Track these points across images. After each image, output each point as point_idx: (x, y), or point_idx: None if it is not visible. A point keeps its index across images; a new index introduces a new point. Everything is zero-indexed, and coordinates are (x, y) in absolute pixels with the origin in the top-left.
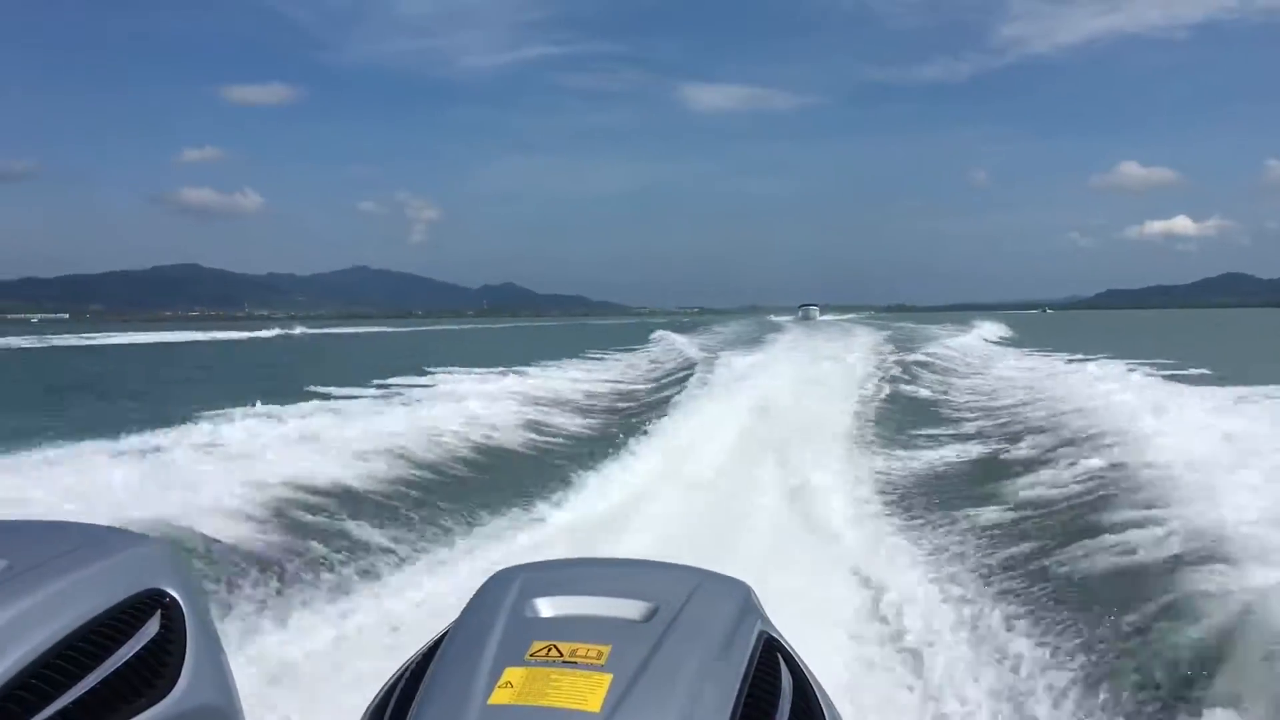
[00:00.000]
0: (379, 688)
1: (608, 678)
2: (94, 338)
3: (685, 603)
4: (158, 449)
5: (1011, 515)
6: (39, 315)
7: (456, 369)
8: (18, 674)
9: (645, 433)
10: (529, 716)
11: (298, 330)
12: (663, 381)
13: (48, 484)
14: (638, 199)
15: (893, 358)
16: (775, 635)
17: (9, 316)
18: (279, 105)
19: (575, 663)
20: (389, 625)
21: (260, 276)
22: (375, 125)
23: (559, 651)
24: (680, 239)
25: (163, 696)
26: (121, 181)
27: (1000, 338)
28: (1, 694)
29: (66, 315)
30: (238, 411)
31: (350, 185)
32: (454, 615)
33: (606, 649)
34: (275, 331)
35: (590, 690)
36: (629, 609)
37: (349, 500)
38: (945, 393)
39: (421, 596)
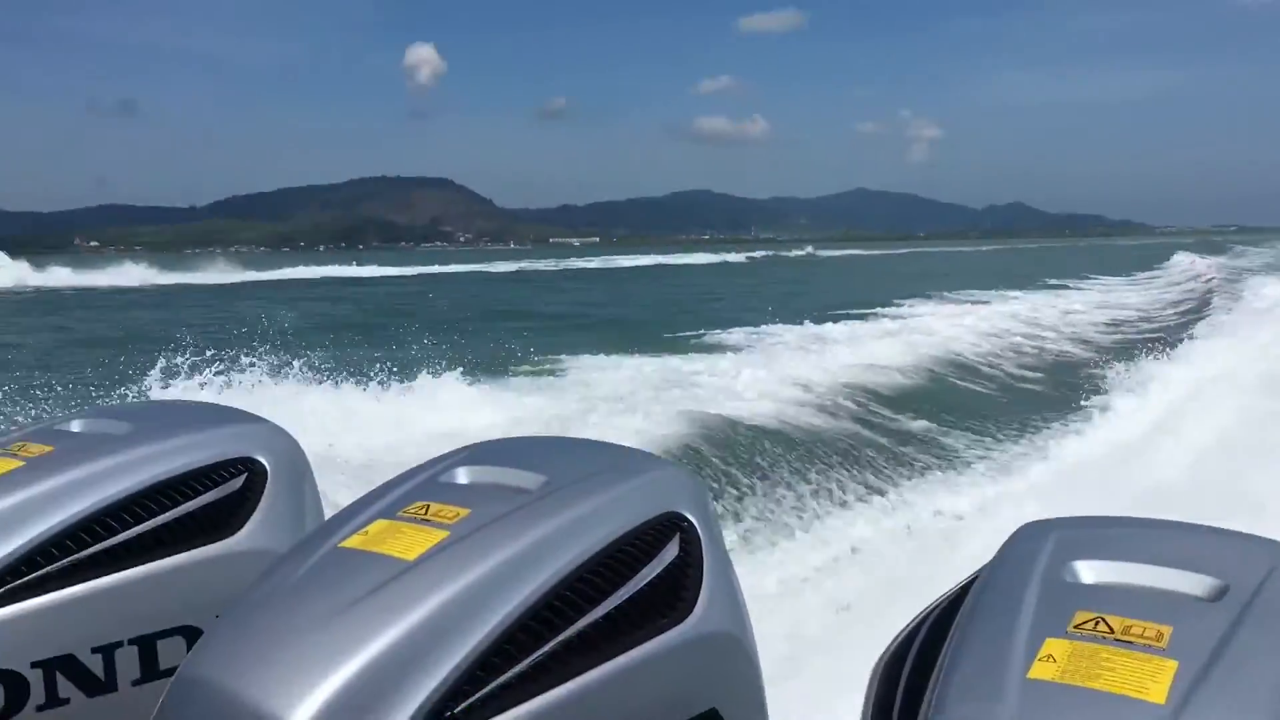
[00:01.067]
0: (890, 633)
1: (1172, 665)
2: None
3: (1262, 582)
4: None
5: None
6: (579, 239)
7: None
8: (555, 585)
9: (1149, 368)
10: (1076, 699)
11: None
12: (1177, 311)
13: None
14: (1163, 106)
15: None
16: None
17: (551, 240)
18: (787, 31)
19: (1130, 642)
20: (879, 551)
21: (764, 200)
22: (877, 45)
23: (1109, 626)
24: (1214, 149)
25: (680, 620)
26: (644, 114)
27: None
28: (541, 603)
29: (597, 239)
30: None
31: (850, 107)
32: (947, 552)
33: (1167, 630)
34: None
35: (1150, 677)
36: (1192, 584)
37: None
38: None
39: (921, 524)
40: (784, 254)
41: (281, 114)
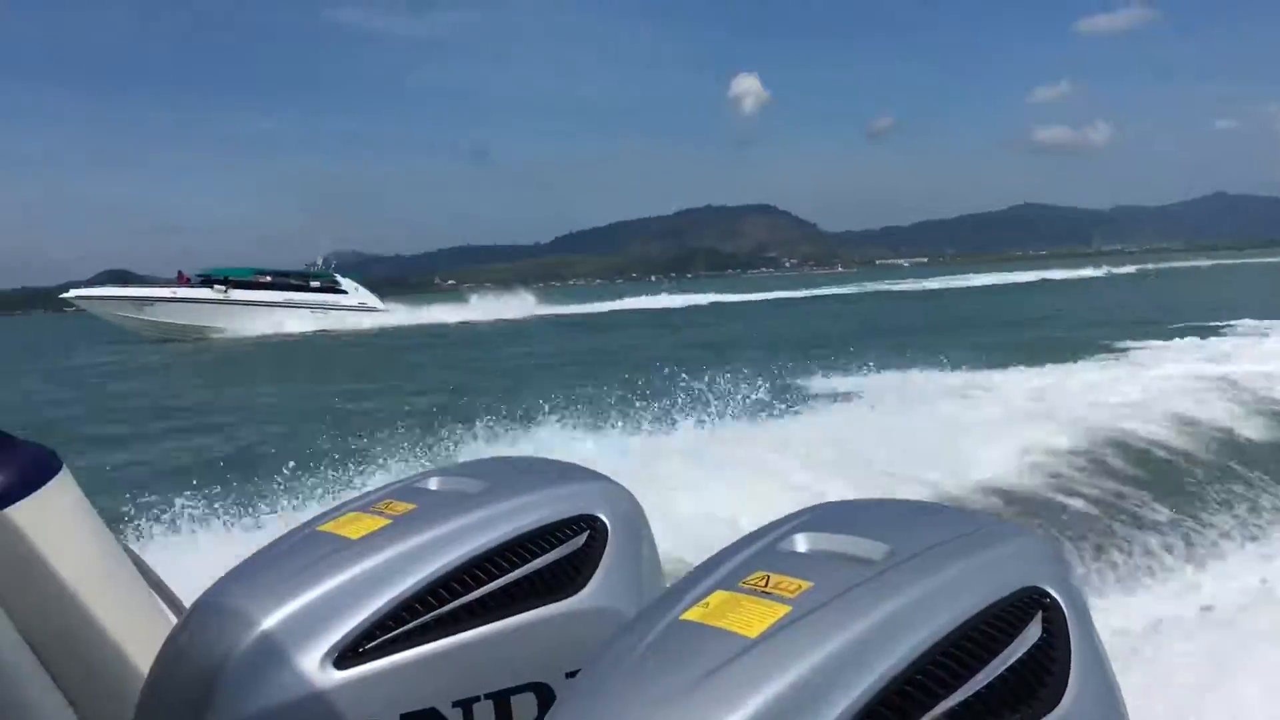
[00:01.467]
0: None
1: None
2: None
3: None
4: None
5: None
6: (907, 260)
7: None
8: (906, 668)
9: None
10: None
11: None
12: None
13: None
14: None
15: None
16: None
17: (877, 262)
18: (1131, 30)
19: None
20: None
21: (1105, 211)
22: (1236, 36)
23: None
24: None
25: (1046, 712)
26: (973, 127)
27: None
28: (891, 688)
29: (925, 260)
30: None
31: (1205, 104)
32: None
33: None
34: None
35: None
36: None
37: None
38: None
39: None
40: (1173, 264)
41: (614, 150)
